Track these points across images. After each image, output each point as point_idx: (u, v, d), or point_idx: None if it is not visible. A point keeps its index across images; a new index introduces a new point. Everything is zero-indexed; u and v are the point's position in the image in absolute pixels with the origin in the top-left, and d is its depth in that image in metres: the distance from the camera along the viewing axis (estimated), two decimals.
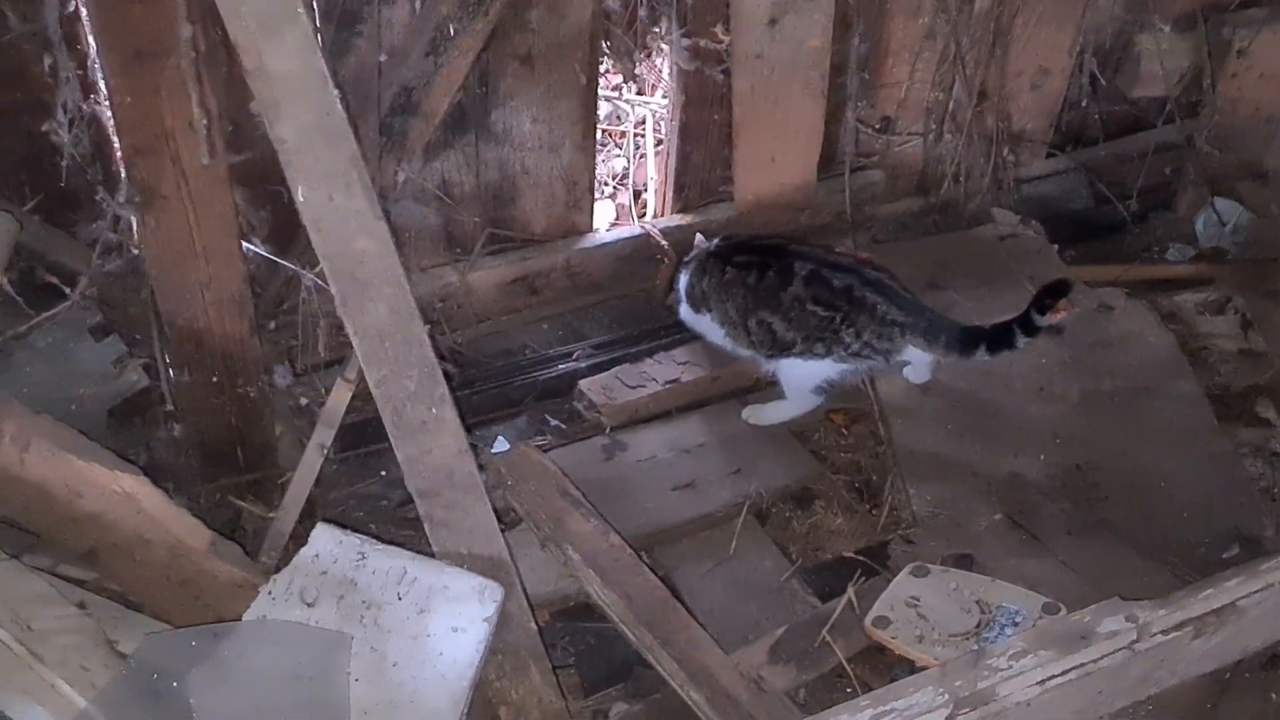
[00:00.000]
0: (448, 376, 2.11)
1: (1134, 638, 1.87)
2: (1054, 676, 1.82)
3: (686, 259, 2.84)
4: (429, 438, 2.08)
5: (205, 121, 2.11)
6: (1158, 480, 2.66)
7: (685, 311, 2.86)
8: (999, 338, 2.62)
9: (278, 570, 2.16)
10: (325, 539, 2.10)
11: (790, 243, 2.78)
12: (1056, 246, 3.25)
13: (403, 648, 2.04)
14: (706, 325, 2.83)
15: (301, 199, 1.96)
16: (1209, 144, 3.41)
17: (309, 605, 2.05)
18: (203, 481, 2.58)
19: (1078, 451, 2.71)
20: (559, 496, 2.40)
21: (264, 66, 1.90)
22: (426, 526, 2.14)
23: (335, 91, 1.95)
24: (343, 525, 2.14)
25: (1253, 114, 3.41)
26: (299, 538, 2.28)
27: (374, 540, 2.12)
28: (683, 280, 2.82)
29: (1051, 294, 2.55)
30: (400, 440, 2.08)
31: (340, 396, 2.32)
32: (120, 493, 2.11)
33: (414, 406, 2.06)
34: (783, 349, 2.70)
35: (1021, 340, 2.59)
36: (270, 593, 2.07)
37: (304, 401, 2.72)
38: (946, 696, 1.73)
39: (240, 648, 1.99)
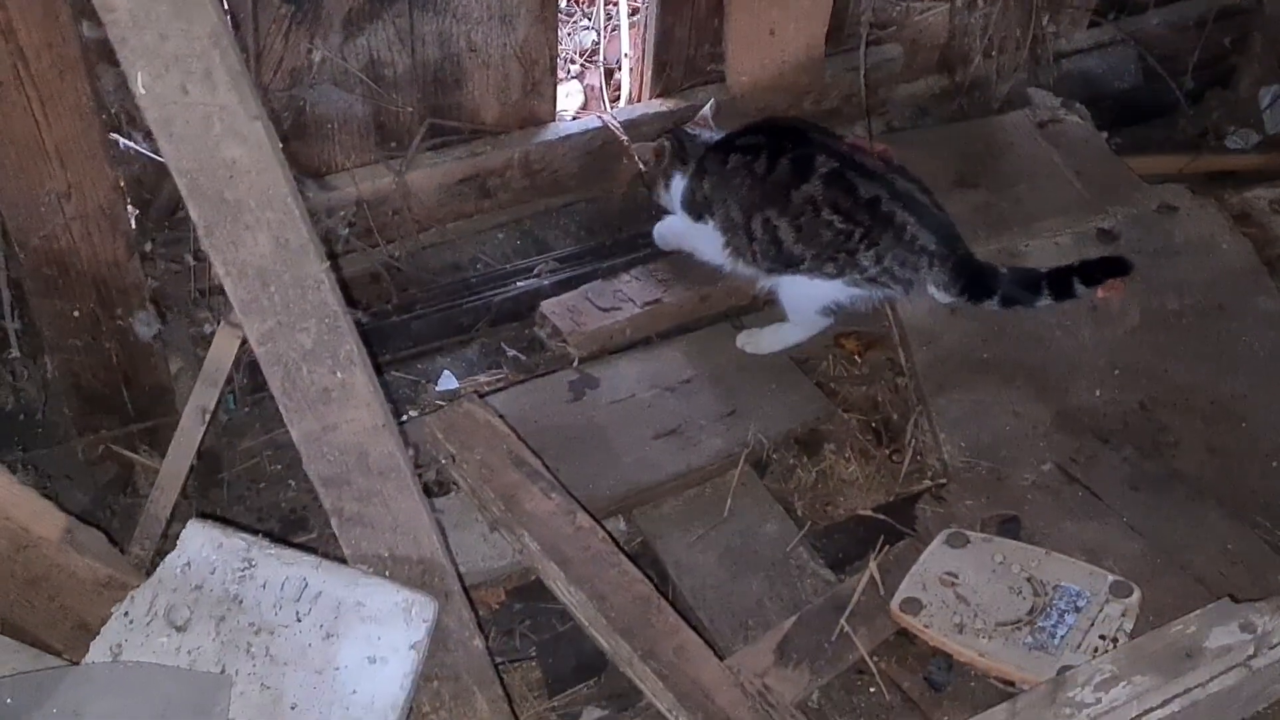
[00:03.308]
0: (360, 326, 1.67)
1: (1250, 652, 1.64)
2: (1152, 710, 1.57)
3: (683, 137, 2.53)
4: (333, 410, 1.65)
5: None
6: (1238, 419, 2.38)
7: (680, 224, 2.55)
8: (1017, 290, 2.40)
9: (152, 566, 1.76)
10: (199, 541, 1.66)
11: (813, 129, 2.48)
12: (1105, 135, 3.02)
13: (304, 685, 1.64)
14: (706, 237, 2.50)
15: (142, 91, 1.49)
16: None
17: (178, 630, 1.64)
18: (81, 433, 2.24)
19: (1141, 385, 2.44)
20: (512, 468, 1.97)
21: None
22: (334, 524, 1.73)
23: None
24: (224, 520, 1.74)
25: None
26: (183, 519, 1.87)
27: (265, 541, 1.69)
28: (678, 183, 2.50)
29: (1107, 270, 2.44)
30: (294, 413, 1.65)
31: (225, 346, 1.91)
32: None
33: (311, 369, 1.63)
34: (786, 264, 2.39)
35: (1044, 301, 2.40)
36: (127, 614, 1.65)
37: (210, 329, 2.29)
38: None
39: (82, 698, 1.57)
